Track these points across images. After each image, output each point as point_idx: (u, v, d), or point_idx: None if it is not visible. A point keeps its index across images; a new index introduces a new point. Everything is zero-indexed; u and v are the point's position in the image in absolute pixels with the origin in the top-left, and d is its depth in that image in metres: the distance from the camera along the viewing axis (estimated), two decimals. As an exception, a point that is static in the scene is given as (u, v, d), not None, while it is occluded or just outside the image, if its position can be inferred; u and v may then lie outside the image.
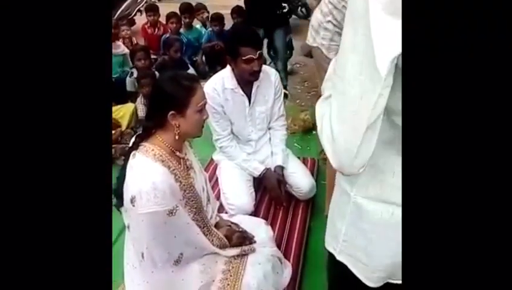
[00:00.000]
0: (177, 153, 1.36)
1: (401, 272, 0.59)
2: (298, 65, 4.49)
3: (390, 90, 0.61)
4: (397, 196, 0.75)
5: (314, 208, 2.19)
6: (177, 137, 1.33)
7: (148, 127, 1.37)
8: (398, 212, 0.77)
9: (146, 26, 4.62)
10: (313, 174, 2.36)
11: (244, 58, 1.93)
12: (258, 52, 1.95)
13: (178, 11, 4.46)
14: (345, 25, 0.64)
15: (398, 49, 0.55)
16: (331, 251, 0.93)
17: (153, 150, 1.29)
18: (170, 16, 4.38)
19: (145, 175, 1.24)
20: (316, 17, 1.93)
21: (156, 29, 4.59)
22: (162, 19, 4.64)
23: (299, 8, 5.49)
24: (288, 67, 4.08)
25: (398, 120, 0.66)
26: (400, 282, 0.85)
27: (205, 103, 1.38)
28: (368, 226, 0.82)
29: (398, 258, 0.78)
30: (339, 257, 0.90)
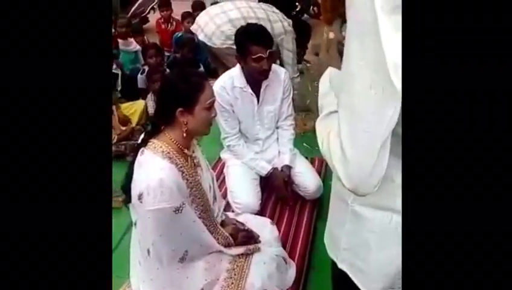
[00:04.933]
0: (185, 151, 1.37)
1: (401, 279, 0.58)
2: (308, 64, 4.47)
3: None
4: (395, 202, 0.74)
5: (320, 208, 2.19)
6: (185, 134, 1.34)
7: (156, 124, 1.39)
8: (396, 218, 0.75)
9: (160, 22, 4.72)
10: (320, 175, 2.35)
11: (253, 56, 1.93)
12: (268, 50, 1.95)
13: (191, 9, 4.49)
14: (347, 38, 0.61)
15: None
16: (333, 258, 0.92)
17: (161, 147, 1.30)
18: (185, 15, 4.42)
19: (152, 172, 1.25)
20: None
21: (169, 25, 4.66)
22: (174, 16, 4.72)
23: (311, 7, 5.47)
24: (300, 65, 4.06)
25: (398, 128, 0.65)
26: None
27: (214, 101, 1.38)
28: (368, 234, 0.80)
29: (398, 268, 0.77)
30: (340, 266, 0.89)
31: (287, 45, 3.00)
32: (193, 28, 3.05)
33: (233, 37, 2.15)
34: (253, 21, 2.73)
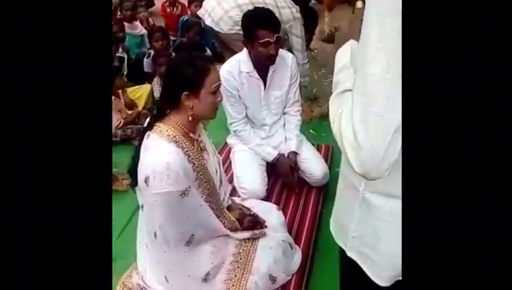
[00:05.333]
0: (191, 135, 1.36)
1: (401, 267, 0.58)
2: (316, 50, 4.42)
3: None
4: None
5: (326, 195, 2.18)
6: (190, 118, 1.33)
7: (162, 108, 1.38)
8: None
9: (166, 5, 4.67)
10: (326, 161, 2.34)
11: (261, 41, 1.91)
12: (276, 35, 1.92)
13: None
14: (365, 18, 0.60)
15: None
16: (342, 246, 0.92)
17: (167, 130, 1.30)
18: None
19: (159, 155, 1.25)
20: None
21: (175, 8, 4.63)
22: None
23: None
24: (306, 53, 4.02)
25: None
26: None
27: (219, 85, 1.37)
28: (378, 222, 0.79)
29: None
30: (349, 254, 0.89)
31: (296, 31, 2.96)
32: (200, 12, 3.01)
33: (240, 23, 2.13)
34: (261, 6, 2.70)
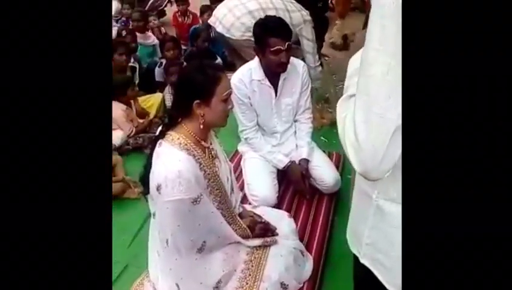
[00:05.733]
0: (202, 143, 1.37)
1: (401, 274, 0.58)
2: (326, 58, 4.43)
3: None
4: None
5: (338, 202, 2.17)
6: (202, 126, 1.34)
7: (174, 116, 1.39)
8: None
9: (177, 15, 4.75)
10: (338, 168, 2.33)
11: (272, 49, 1.92)
12: (287, 43, 1.93)
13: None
14: (370, 20, 0.61)
15: None
16: (355, 253, 0.91)
17: (178, 138, 1.31)
18: (204, 9, 4.42)
19: (170, 163, 1.26)
20: None
21: (186, 18, 4.69)
22: (192, 9, 4.75)
23: (329, 0, 5.41)
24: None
25: None
26: None
27: (230, 93, 1.38)
28: (391, 229, 0.79)
29: None
30: (362, 260, 0.88)
31: (307, 34, 2.98)
32: (211, 20, 3.05)
33: (251, 29, 2.15)
34: (272, 11, 2.72)
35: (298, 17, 2.90)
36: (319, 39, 3.38)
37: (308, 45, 3.01)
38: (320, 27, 3.37)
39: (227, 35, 2.85)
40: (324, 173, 2.13)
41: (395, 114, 0.60)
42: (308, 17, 2.96)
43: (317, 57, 3.15)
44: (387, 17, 0.57)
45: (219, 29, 2.88)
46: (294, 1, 3.01)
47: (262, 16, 2.40)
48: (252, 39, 2.12)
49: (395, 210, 0.77)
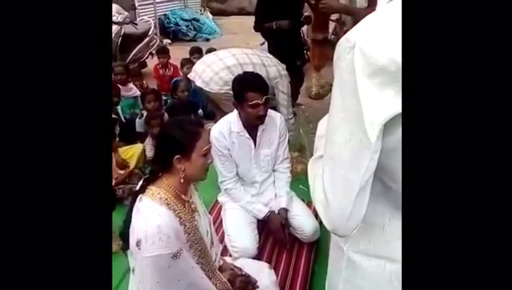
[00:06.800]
0: (182, 196, 1.39)
1: None
2: (303, 106, 4.57)
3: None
4: (387, 250, 0.76)
5: (318, 250, 2.18)
6: (182, 180, 1.37)
7: (155, 171, 1.42)
8: (390, 267, 0.77)
9: (158, 67, 4.88)
10: (317, 217, 2.35)
11: (250, 103, 2.00)
12: (264, 97, 2.02)
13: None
14: (333, 91, 0.66)
15: (386, 116, 0.59)
16: None
17: (159, 193, 1.33)
18: (185, 62, 4.55)
19: (150, 219, 1.27)
20: None
21: (167, 70, 4.83)
22: (173, 60, 4.91)
23: (305, 51, 5.62)
24: (293, 109, 4.15)
25: (385, 177, 0.68)
26: None
27: (210, 147, 1.42)
28: (362, 281, 0.81)
29: None
30: None
31: (283, 88, 3.11)
32: (190, 75, 3.16)
33: (230, 83, 2.24)
34: (249, 67, 2.83)
35: (275, 72, 3.03)
36: (295, 91, 3.52)
37: (283, 98, 3.13)
38: (297, 80, 3.52)
39: (206, 88, 2.94)
40: (303, 222, 2.16)
41: (358, 176, 0.64)
42: (285, 72, 3.10)
43: (290, 109, 3.27)
44: (346, 91, 0.62)
45: (198, 83, 2.98)
46: (270, 56, 3.15)
47: (240, 71, 2.52)
48: (230, 92, 2.20)
49: (365, 263, 0.80)
